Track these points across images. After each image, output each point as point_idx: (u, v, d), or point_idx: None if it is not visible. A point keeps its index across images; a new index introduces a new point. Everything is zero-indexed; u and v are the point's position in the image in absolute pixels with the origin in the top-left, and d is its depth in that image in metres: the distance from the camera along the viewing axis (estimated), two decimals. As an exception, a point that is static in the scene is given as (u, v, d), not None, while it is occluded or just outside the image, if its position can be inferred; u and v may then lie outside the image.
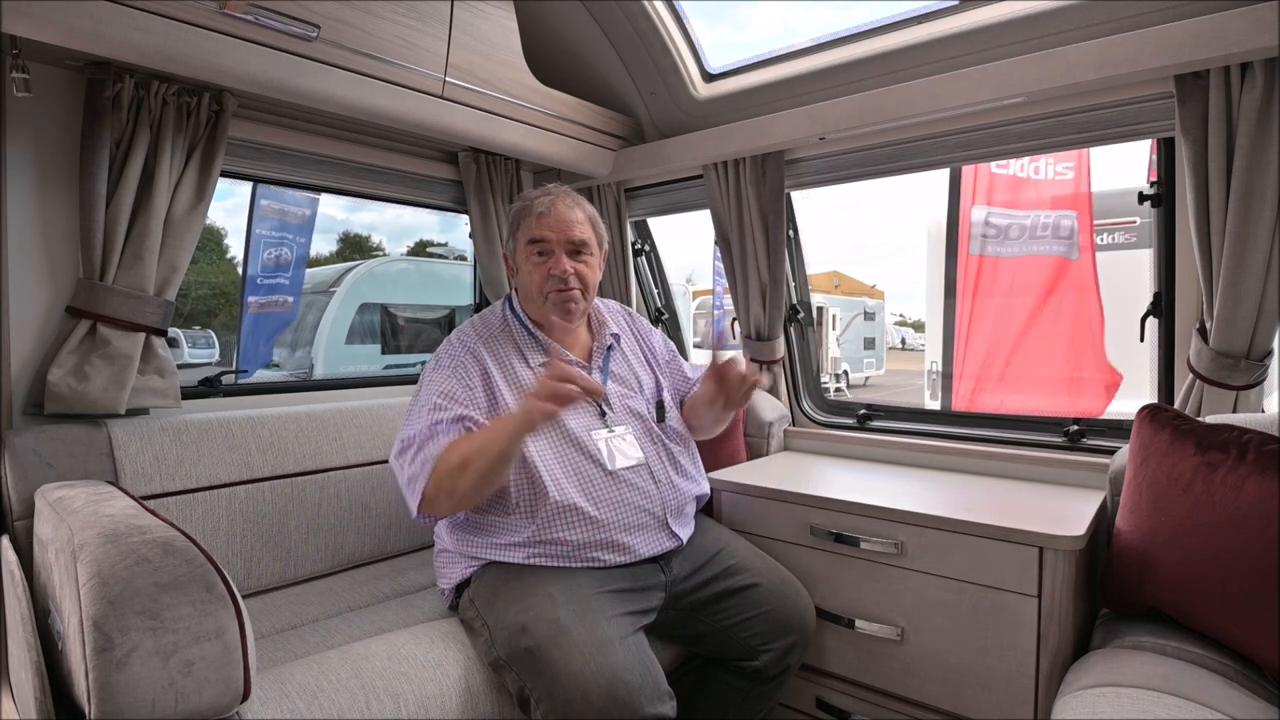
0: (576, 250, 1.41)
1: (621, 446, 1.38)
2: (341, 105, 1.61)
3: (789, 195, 2.09)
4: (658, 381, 1.57)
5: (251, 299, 4.67)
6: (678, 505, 1.41)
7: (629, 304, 2.29)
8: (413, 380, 2.25)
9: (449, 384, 1.32)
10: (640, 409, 1.48)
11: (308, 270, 5.72)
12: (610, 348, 1.52)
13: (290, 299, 4.79)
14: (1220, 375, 1.38)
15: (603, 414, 1.41)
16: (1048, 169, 4.41)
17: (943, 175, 4.70)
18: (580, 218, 1.43)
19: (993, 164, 4.45)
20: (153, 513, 1.08)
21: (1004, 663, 1.28)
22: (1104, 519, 1.42)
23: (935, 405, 4.95)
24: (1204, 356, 1.40)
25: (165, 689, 0.85)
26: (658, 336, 1.68)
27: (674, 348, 1.71)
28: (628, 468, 1.36)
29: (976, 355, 4.54)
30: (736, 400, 1.40)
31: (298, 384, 2.11)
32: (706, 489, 1.54)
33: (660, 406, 1.51)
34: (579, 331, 1.50)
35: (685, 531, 1.42)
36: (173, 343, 1.63)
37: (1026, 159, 4.36)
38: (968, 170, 4.53)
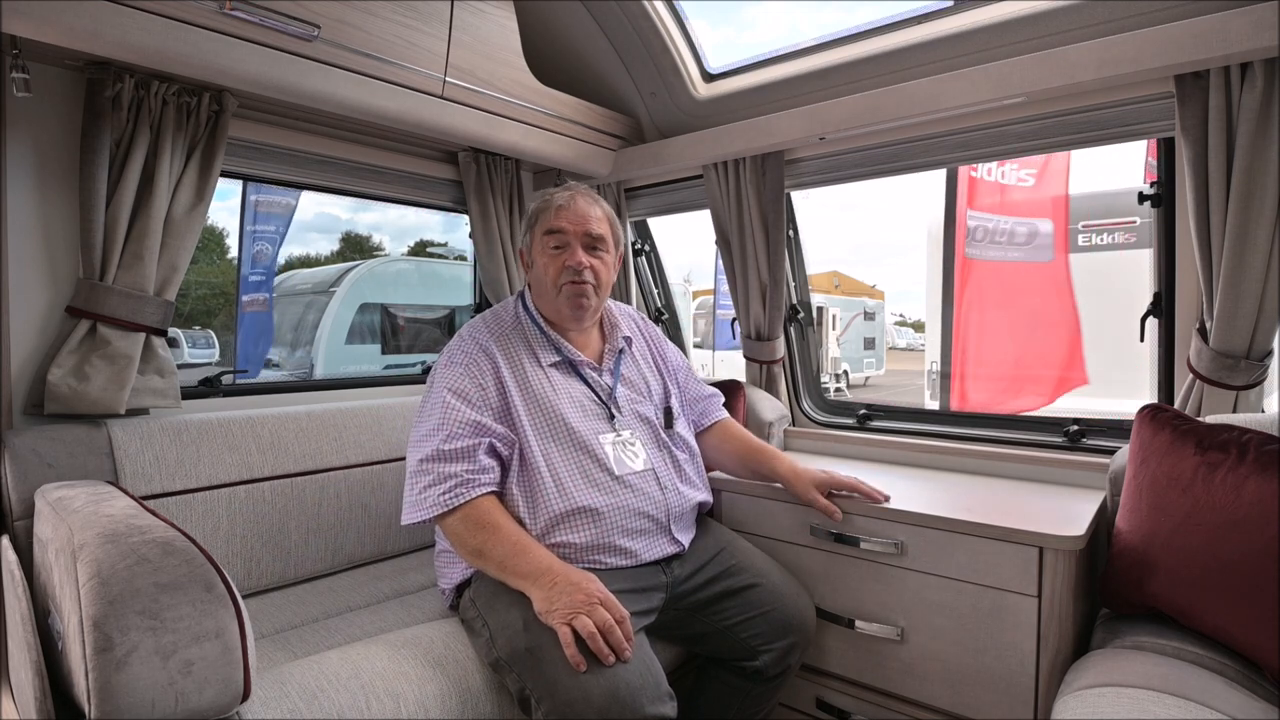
0: (593, 245, 1.42)
1: (628, 451, 1.38)
2: (341, 105, 1.61)
3: (789, 195, 2.09)
4: (666, 388, 1.57)
5: (245, 298, 4.68)
6: (680, 511, 1.41)
7: (628, 304, 2.29)
8: (413, 380, 2.25)
9: (461, 382, 1.32)
10: (648, 414, 1.47)
11: (306, 271, 5.73)
12: (621, 351, 1.52)
13: (265, 297, 4.79)
14: (1220, 375, 1.38)
15: (611, 417, 1.41)
16: (1011, 174, 4.50)
17: (942, 175, 4.72)
18: (599, 214, 1.44)
19: (974, 169, 4.53)
20: (153, 513, 1.08)
21: (1004, 663, 1.28)
22: (1104, 519, 1.42)
23: (935, 405, 4.96)
24: (1204, 356, 1.40)
25: (165, 689, 0.85)
26: (671, 346, 1.68)
27: (687, 362, 1.72)
28: (633, 473, 1.36)
29: (973, 356, 4.57)
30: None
31: (298, 384, 2.11)
32: (709, 497, 1.54)
33: (669, 413, 1.51)
34: (591, 333, 1.50)
35: (687, 537, 1.42)
36: (173, 343, 1.63)
37: (995, 163, 4.44)
38: (963, 171, 4.56)
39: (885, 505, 1.41)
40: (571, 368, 1.43)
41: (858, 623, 1.46)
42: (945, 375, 4.73)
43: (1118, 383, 3.93)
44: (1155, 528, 1.18)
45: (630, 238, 2.51)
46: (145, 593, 0.87)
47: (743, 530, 1.61)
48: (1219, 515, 1.11)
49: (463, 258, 3.19)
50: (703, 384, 1.70)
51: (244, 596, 1.24)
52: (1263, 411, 1.39)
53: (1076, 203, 4.36)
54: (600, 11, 2.14)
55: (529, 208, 1.49)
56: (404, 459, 1.35)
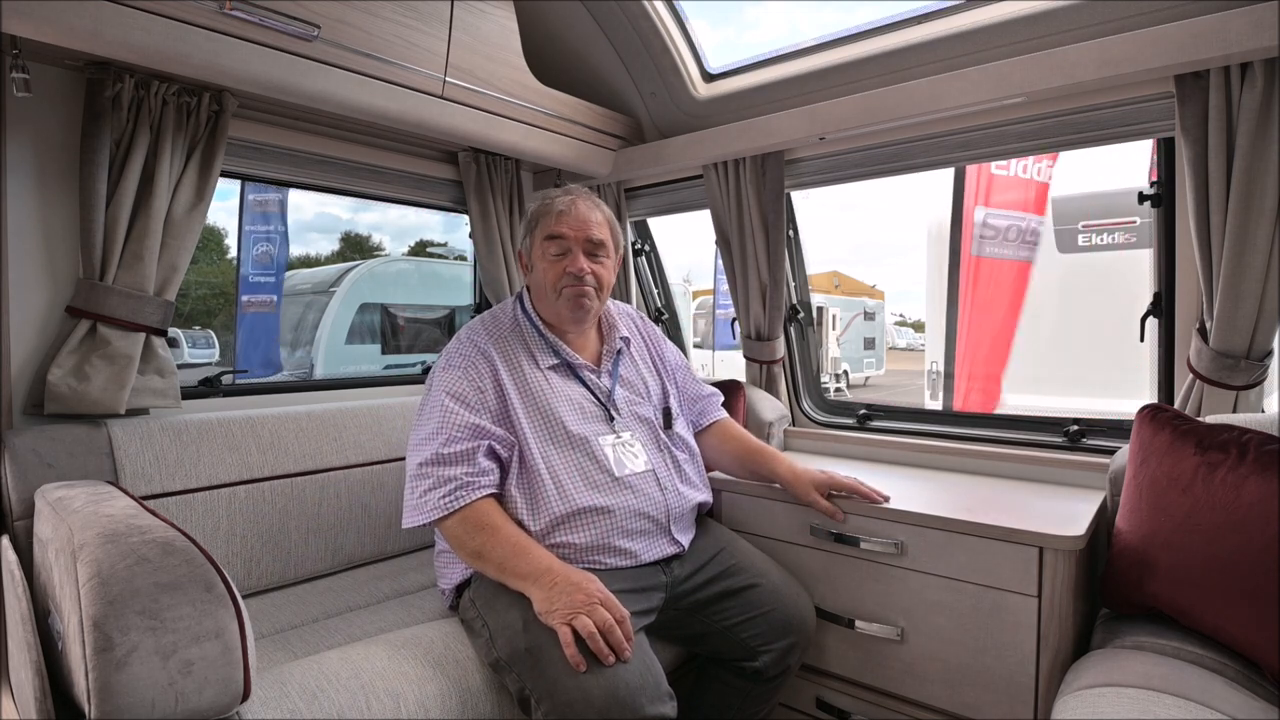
0: (594, 250, 1.42)
1: (628, 453, 1.38)
2: (341, 105, 1.61)
3: (789, 195, 2.09)
4: (665, 388, 1.57)
5: (245, 298, 4.69)
6: (680, 512, 1.41)
7: (628, 304, 2.28)
8: (413, 380, 2.25)
9: (458, 385, 1.32)
10: (647, 415, 1.47)
11: (306, 271, 5.74)
12: (619, 351, 1.52)
13: (274, 298, 4.79)
14: (1220, 375, 1.38)
15: (610, 419, 1.41)
16: (1034, 169, 4.50)
17: (944, 175, 4.72)
18: (599, 219, 1.44)
19: (993, 164, 4.51)
20: (153, 513, 1.08)
21: (1004, 663, 1.28)
22: (1104, 519, 1.42)
23: (936, 405, 4.96)
24: (1204, 356, 1.40)
25: (165, 689, 0.85)
26: (670, 346, 1.68)
27: (686, 361, 1.72)
28: (634, 474, 1.36)
29: (977, 355, 4.58)
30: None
31: (298, 384, 2.11)
32: (709, 497, 1.54)
33: (667, 413, 1.51)
34: (589, 334, 1.51)
35: (686, 538, 1.42)
36: (173, 343, 1.63)
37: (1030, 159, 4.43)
38: (971, 169, 4.56)
39: (885, 505, 1.41)
40: (570, 370, 1.43)
41: (858, 623, 1.46)
42: (949, 375, 4.74)
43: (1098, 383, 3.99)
44: (1155, 528, 1.18)
45: (630, 238, 2.50)
46: (145, 593, 0.87)
47: (743, 530, 1.61)
48: (1219, 515, 1.11)
49: (463, 258, 3.20)
50: (701, 383, 1.70)
51: (244, 596, 1.24)
52: (1263, 411, 1.39)
53: (1076, 203, 4.36)
54: (600, 11, 2.14)
55: (528, 209, 1.49)
56: (404, 459, 1.35)
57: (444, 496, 1.23)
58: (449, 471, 1.24)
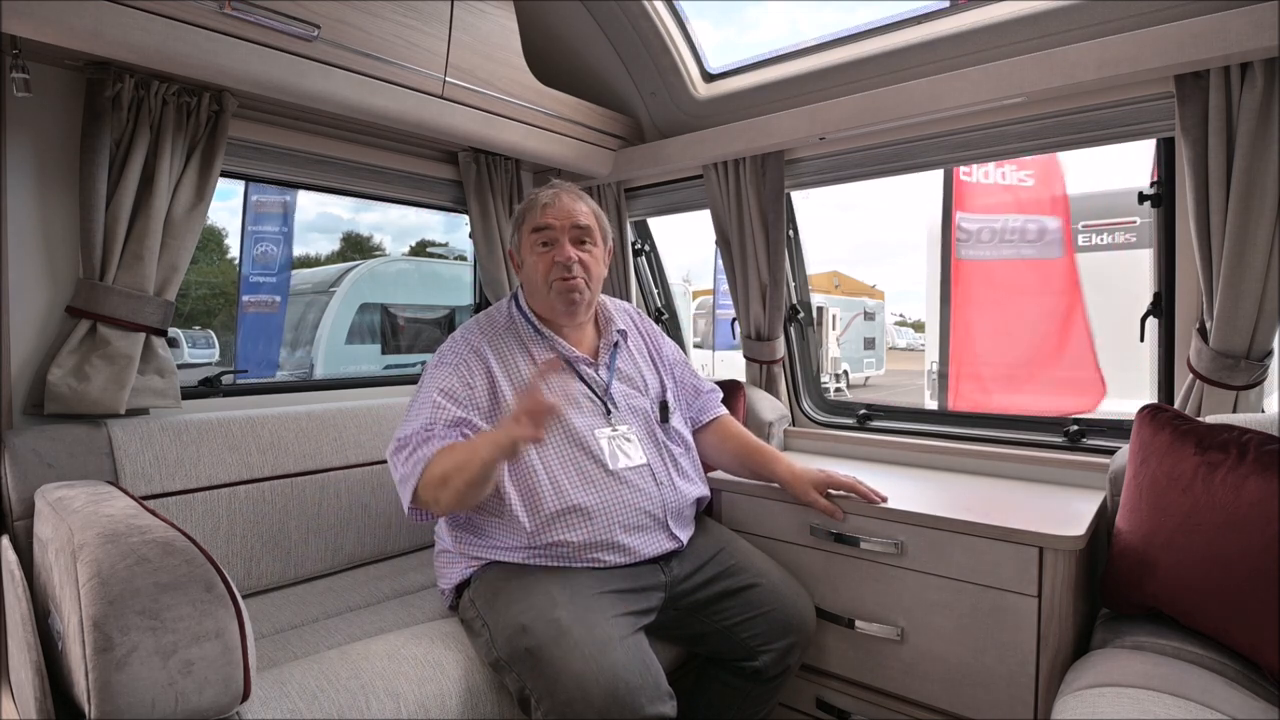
0: (580, 238, 1.42)
1: (624, 447, 1.38)
2: (341, 105, 1.61)
3: (789, 195, 2.09)
4: (662, 382, 1.57)
5: (246, 298, 4.68)
6: (678, 507, 1.41)
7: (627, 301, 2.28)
8: (413, 380, 2.25)
9: (449, 381, 1.32)
10: (644, 408, 1.48)
11: (306, 270, 5.73)
12: (616, 344, 1.52)
13: (277, 299, 4.79)
14: (1220, 375, 1.38)
15: (607, 412, 1.41)
16: (1011, 175, 4.53)
17: (939, 176, 4.72)
18: (584, 209, 1.45)
19: (960, 171, 4.55)
20: (153, 513, 1.08)
21: (1004, 663, 1.28)
22: (1104, 519, 1.41)
23: (935, 405, 4.96)
24: (1204, 356, 1.40)
25: (165, 689, 0.85)
26: (668, 341, 1.68)
27: (685, 358, 1.72)
28: (629, 468, 1.36)
29: (969, 355, 4.57)
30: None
31: (298, 384, 2.11)
32: (707, 492, 1.54)
33: (664, 407, 1.51)
34: (585, 328, 1.51)
35: (685, 534, 1.42)
36: (173, 343, 1.63)
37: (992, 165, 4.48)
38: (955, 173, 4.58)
39: (885, 505, 1.41)
40: (566, 364, 1.44)
41: (858, 623, 1.46)
42: (942, 375, 4.74)
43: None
44: (1155, 528, 1.18)
45: (630, 238, 2.50)
46: (145, 593, 0.87)
47: (743, 530, 1.61)
48: (1219, 515, 1.11)
49: (463, 258, 3.20)
50: (700, 379, 1.70)
51: (244, 596, 1.24)
52: (1263, 411, 1.39)
53: (1076, 203, 4.36)
54: (600, 11, 2.14)
55: (517, 208, 1.50)
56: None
57: (414, 451, 1.22)
58: (420, 442, 1.24)
